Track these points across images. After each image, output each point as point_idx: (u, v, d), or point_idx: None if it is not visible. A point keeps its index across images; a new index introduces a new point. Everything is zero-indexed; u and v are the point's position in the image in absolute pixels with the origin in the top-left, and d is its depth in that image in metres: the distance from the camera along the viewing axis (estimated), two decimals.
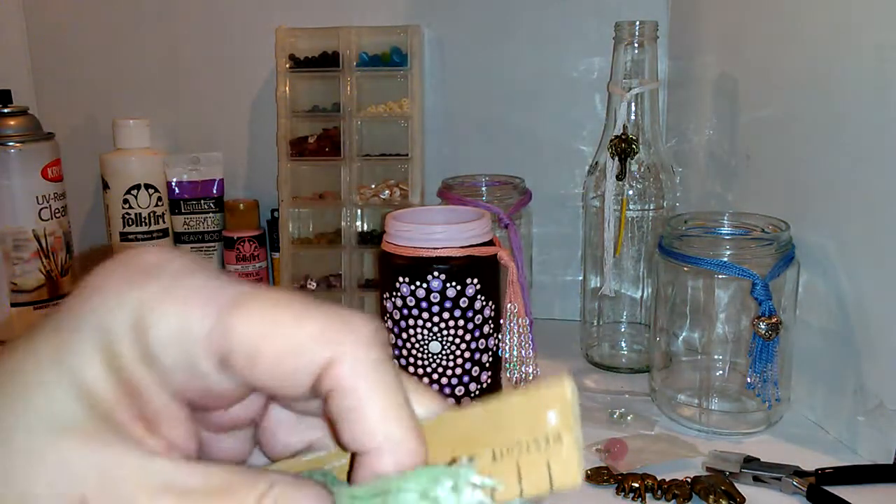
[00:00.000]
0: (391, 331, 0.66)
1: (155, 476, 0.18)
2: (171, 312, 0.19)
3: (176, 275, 0.20)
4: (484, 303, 0.65)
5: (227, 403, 0.21)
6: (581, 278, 0.91)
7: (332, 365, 0.18)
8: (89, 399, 0.18)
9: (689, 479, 0.58)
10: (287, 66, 0.96)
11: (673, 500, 0.57)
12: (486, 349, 0.66)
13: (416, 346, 0.65)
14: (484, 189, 0.83)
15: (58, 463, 0.18)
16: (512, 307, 0.70)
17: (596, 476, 0.59)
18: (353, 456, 0.19)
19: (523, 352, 0.71)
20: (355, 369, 0.18)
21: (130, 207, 0.97)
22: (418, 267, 0.63)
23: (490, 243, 0.66)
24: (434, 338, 0.64)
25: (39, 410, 0.18)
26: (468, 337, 0.65)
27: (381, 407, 0.18)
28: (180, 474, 0.18)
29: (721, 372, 0.73)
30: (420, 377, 0.65)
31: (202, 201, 1.01)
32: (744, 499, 0.55)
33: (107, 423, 0.18)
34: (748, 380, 0.65)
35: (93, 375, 0.19)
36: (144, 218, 0.98)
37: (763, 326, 0.63)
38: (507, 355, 0.70)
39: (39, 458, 0.18)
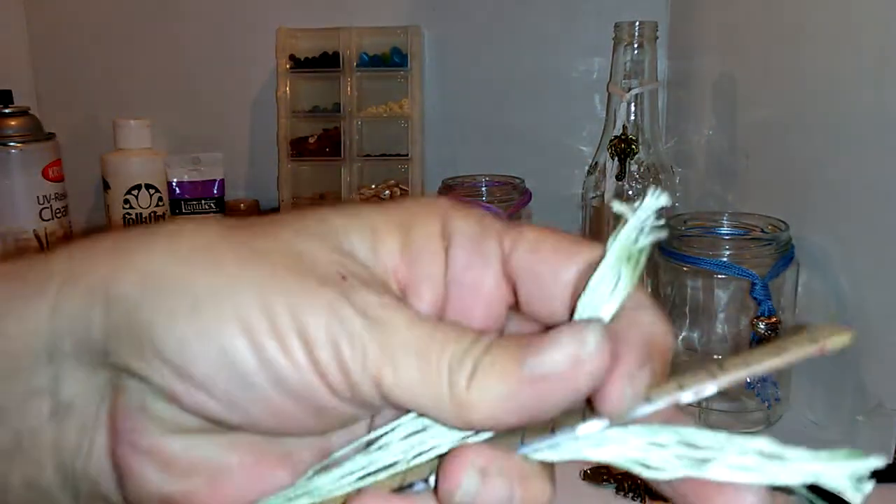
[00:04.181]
0: None
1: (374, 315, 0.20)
2: (474, 215, 0.23)
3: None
4: None
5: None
6: None
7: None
8: (373, 241, 0.22)
9: None
10: (287, 66, 0.96)
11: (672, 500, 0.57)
12: None
13: None
14: (484, 189, 0.84)
15: (346, 254, 0.21)
16: None
17: (595, 476, 0.59)
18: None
19: None
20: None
21: (131, 208, 0.97)
22: None
23: None
24: None
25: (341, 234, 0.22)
26: None
27: None
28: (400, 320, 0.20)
29: None
30: None
31: (203, 201, 1.01)
32: None
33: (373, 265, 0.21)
34: (747, 379, 0.65)
35: (390, 233, 0.22)
36: (145, 218, 0.98)
37: (762, 326, 0.64)
38: None
39: (338, 241, 0.21)
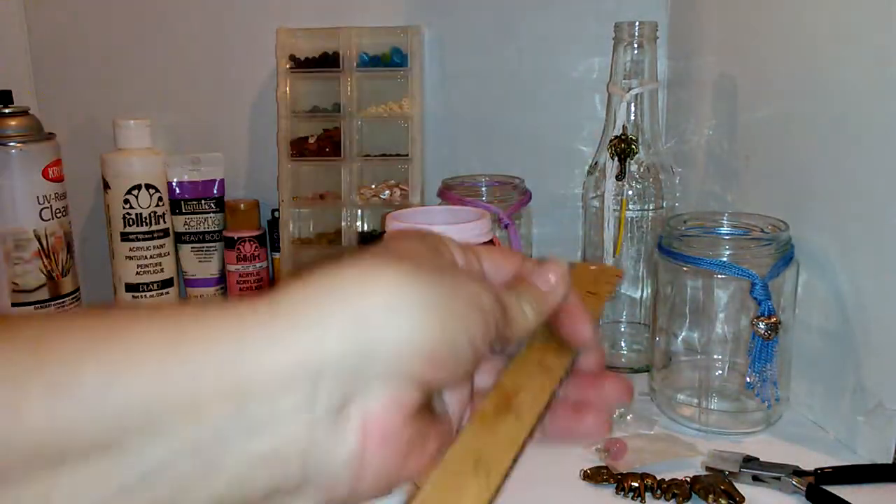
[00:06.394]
0: None
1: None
2: None
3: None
4: None
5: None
6: None
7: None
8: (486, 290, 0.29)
9: (688, 479, 0.58)
10: (287, 66, 0.96)
11: (672, 500, 0.57)
12: None
13: None
14: (484, 189, 0.84)
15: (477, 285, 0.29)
16: None
17: (595, 476, 0.59)
18: None
19: None
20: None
21: (131, 207, 0.97)
22: None
23: (490, 243, 0.66)
24: None
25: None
26: None
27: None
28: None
29: (720, 372, 0.73)
30: None
31: (203, 201, 1.01)
32: (743, 498, 0.56)
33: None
34: (747, 379, 0.65)
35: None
36: (145, 218, 0.98)
37: (762, 326, 0.64)
38: None
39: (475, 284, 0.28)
